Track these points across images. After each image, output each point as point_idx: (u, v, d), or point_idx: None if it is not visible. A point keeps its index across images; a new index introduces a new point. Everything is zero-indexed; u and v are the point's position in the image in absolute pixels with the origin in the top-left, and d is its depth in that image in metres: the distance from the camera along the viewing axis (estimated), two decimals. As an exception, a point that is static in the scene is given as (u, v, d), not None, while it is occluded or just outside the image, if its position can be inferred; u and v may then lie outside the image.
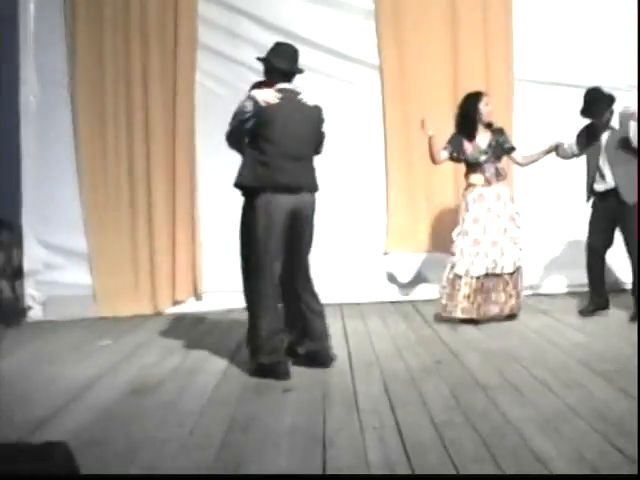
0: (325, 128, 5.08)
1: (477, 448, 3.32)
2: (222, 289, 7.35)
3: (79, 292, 7.47)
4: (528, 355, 5.03)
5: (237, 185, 4.90)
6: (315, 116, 4.99)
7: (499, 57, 7.66)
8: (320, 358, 4.99)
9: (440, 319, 6.32)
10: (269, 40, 7.25)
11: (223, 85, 7.52)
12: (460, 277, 6.22)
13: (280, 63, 4.91)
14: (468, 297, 6.22)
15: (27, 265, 7.52)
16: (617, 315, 6.26)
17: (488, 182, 6.29)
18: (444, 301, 6.28)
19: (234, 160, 5.02)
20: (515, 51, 7.65)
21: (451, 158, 6.40)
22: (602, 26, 7.59)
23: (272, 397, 4.33)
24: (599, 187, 6.14)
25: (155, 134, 7.59)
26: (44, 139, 7.51)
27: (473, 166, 6.34)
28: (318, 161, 5.14)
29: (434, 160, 6.41)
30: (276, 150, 4.79)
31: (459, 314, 6.23)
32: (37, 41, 7.53)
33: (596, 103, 6.04)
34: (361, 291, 7.56)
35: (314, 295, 5.06)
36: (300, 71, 5.01)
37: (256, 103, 4.77)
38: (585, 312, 6.36)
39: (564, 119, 6.45)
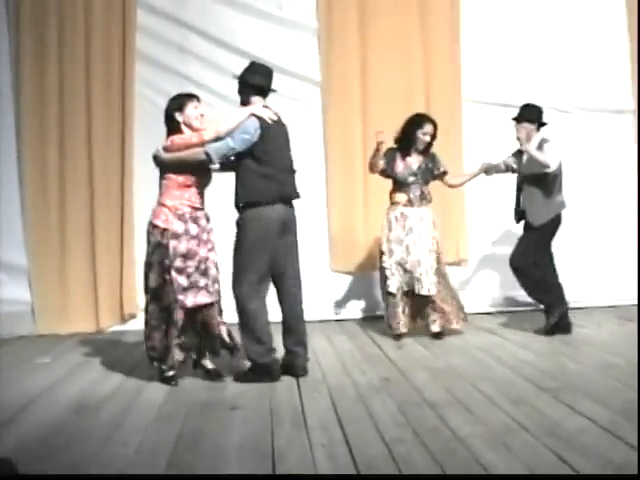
0: None
1: (428, 464, 3.30)
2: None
3: (17, 308, 7.30)
4: (475, 372, 5.05)
5: (241, 202, 5.00)
6: (288, 132, 5.23)
7: (446, 77, 7.74)
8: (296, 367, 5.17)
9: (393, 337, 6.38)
10: (216, 55, 7.32)
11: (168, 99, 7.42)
12: (394, 295, 6.33)
13: (259, 80, 5.04)
14: (404, 312, 6.35)
15: (-37, 280, 7.32)
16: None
17: (411, 203, 6.37)
18: (389, 320, 6.38)
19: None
20: (462, 72, 7.76)
21: (382, 171, 6.44)
22: (549, 48, 7.77)
23: (219, 414, 4.26)
24: (520, 207, 6.43)
25: (97, 148, 7.48)
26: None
27: (400, 185, 6.39)
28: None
29: (372, 168, 6.41)
30: (277, 163, 5.02)
31: (402, 329, 6.34)
32: (-22, 53, 7.39)
33: (530, 112, 6.29)
34: (305, 309, 7.49)
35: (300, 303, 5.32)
36: (274, 90, 5.16)
37: (263, 121, 4.91)
38: (545, 330, 6.40)
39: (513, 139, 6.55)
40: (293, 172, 5.19)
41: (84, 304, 7.44)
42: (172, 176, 4.94)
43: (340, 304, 7.75)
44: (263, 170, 4.95)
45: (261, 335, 4.99)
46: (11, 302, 7.29)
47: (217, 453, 3.57)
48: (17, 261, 7.39)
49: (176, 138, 4.90)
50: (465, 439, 3.62)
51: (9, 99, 7.42)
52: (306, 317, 7.19)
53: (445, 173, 6.50)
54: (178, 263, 4.87)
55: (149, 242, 4.98)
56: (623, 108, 7.89)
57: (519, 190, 6.41)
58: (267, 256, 4.99)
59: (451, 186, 6.67)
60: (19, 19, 7.36)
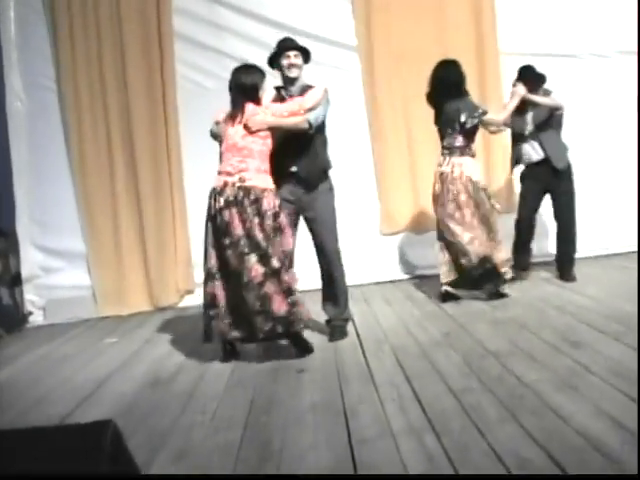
0: None
1: (498, 410, 3.37)
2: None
3: (79, 293, 7.52)
4: (535, 321, 5.09)
5: (329, 168, 5.24)
6: None
7: (481, 31, 7.65)
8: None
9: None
10: (252, 29, 7.35)
11: (208, 77, 7.52)
12: None
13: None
14: None
15: (25, 271, 7.54)
16: (615, 278, 6.34)
17: None
18: None
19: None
20: (499, 24, 7.66)
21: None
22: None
23: (288, 378, 4.37)
24: (530, 158, 6.45)
25: (143, 130, 7.60)
26: (34, 144, 7.53)
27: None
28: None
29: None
30: None
31: None
32: (20, 47, 7.55)
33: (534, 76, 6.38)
34: (360, 273, 7.57)
35: None
36: None
37: None
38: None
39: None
40: None
41: (140, 284, 7.62)
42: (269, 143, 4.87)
43: (393, 264, 7.79)
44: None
45: None
46: (73, 287, 7.51)
47: (291, 413, 3.68)
48: (74, 247, 7.59)
49: (279, 106, 4.96)
50: (531, 384, 3.68)
51: (52, 92, 7.57)
52: (362, 280, 7.39)
53: None
54: None
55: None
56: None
57: (518, 141, 6.49)
58: None
59: None
60: (54, 8, 7.49)
